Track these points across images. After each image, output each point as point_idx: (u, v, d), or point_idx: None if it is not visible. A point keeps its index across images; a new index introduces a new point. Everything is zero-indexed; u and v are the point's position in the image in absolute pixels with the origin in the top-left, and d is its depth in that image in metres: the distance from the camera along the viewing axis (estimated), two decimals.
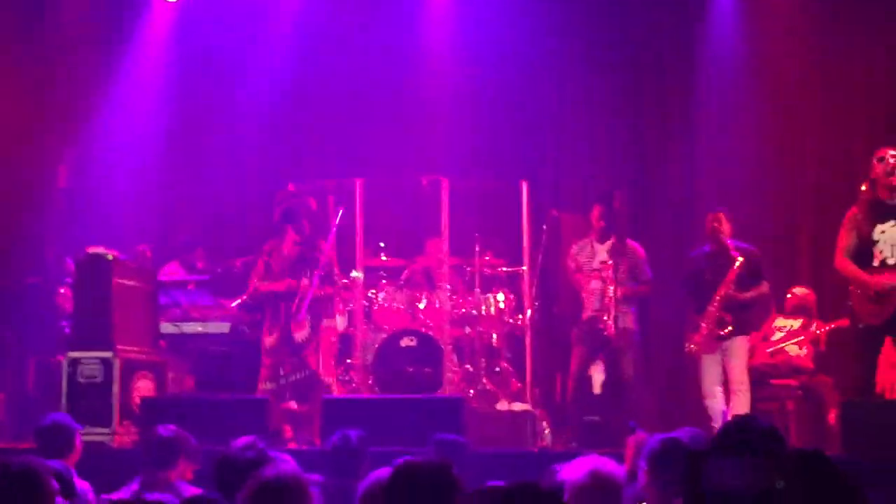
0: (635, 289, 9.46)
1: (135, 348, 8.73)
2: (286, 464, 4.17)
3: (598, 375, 9.48)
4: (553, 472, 4.65)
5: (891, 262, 7.69)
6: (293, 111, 11.93)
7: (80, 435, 6.26)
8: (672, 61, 11.58)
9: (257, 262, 9.45)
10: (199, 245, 11.05)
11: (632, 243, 9.57)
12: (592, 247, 9.64)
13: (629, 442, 6.05)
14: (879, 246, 7.73)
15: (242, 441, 4.84)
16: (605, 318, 9.25)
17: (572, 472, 4.24)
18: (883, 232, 7.73)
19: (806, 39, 11.13)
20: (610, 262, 9.32)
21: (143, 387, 8.58)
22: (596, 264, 9.49)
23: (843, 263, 7.84)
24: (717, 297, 8.94)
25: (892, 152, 7.72)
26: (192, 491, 5.18)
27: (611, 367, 9.37)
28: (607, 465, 4.26)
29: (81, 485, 5.27)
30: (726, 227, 9.16)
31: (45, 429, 6.15)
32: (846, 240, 7.86)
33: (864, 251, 7.77)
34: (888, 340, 7.90)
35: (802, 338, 9.88)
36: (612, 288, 9.24)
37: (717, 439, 2.55)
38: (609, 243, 9.43)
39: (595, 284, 9.47)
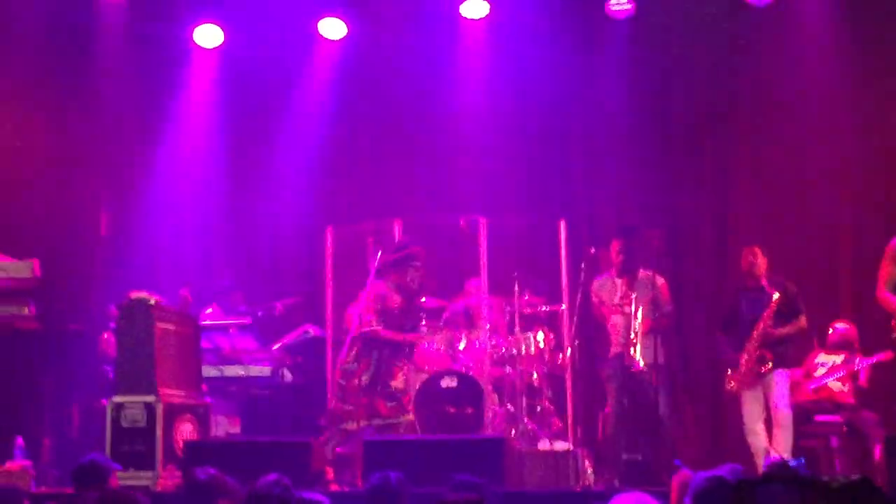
0: (656, 321, 9.40)
1: (177, 392, 8.77)
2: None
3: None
4: None
5: None
6: (332, 154, 12.01)
7: (114, 474, 6.31)
8: (708, 94, 11.57)
9: (367, 304, 9.42)
10: (239, 288, 11.12)
11: (653, 275, 9.52)
12: (613, 282, 9.65)
13: (674, 480, 6.02)
14: None
15: (269, 478, 4.87)
16: (632, 352, 9.23)
17: None
18: None
19: (846, 71, 11.10)
20: (633, 295, 9.30)
21: (186, 430, 8.62)
22: (617, 299, 9.48)
23: (885, 296, 7.79)
24: (755, 334, 8.91)
25: None
26: None
27: (643, 402, 9.32)
28: (649, 502, 4.25)
29: None
30: (762, 262, 9.14)
31: (81, 468, 6.21)
32: (887, 272, 7.81)
33: None
34: None
35: (843, 373, 9.83)
36: (635, 322, 9.22)
37: (765, 473, 2.57)
38: (627, 278, 9.43)
39: (617, 319, 9.48)
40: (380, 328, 9.40)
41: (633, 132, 11.63)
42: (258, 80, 11.92)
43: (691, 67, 11.49)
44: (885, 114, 11.02)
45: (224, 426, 10.07)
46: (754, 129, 11.38)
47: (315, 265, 10.93)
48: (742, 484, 2.03)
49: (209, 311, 10.81)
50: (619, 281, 9.51)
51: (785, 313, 9.05)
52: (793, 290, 9.15)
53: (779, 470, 2.61)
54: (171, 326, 8.87)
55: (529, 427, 9.74)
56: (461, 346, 10.06)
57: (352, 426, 9.13)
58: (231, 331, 10.62)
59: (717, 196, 11.43)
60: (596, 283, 9.76)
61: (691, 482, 4.98)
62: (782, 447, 8.86)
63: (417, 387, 9.77)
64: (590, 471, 9.41)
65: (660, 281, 9.56)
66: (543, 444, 9.49)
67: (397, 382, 9.39)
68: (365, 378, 9.25)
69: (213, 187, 12.07)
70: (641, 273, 9.45)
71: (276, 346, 10.55)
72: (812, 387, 9.80)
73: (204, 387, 9.60)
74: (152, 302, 8.69)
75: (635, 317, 9.23)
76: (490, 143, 11.83)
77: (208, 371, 9.92)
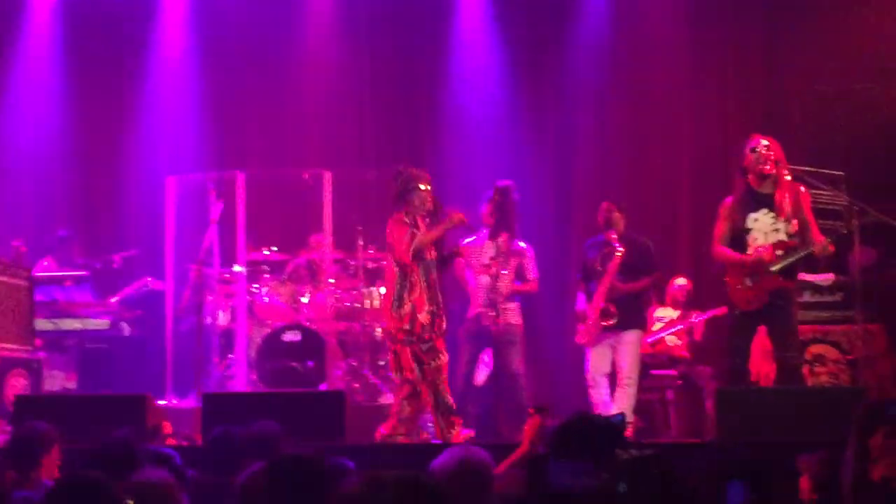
0: (521, 286, 9.41)
1: (8, 346, 8.53)
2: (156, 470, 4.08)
3: (482, 370, 9.47)
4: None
5: (762, 247, 7.82)
6: (174, 103, 11.78)
7: None
8: (549, 55, 11.67)
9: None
10: (76, 240, 10.84)
11: (519, 241, 9.53)
12: (483, 243, 9.52)
13: (527, 425, 6.09)
14: (753, 234, 7.85)
15: (114, 436, 4.76)
16: (493, 313, 9.18)
17: (441, 461, 4.23)
18: (756, 220, 7.85)
19: (680, 25, 11.36)
20: (499, 258, 9.25)
21: (18, 384, 8.39)
22: (485, 260, 9.40)
23: (719, 250, 7.97)
24: (602, 289, 9.02)
25: (764, 142, 7.87)
26: None
27: (497, 361, 9.34)
28: (477, 453, 4.26)
29: None
30: (621, 220, 9.21)
31: None
32: (721, 229, 7.98)
33: (738, 240, 7.90)
34: (762, 329, 8.04)
35: (680, 328, 10.08)
36: (500, 285, 9.19)
37: (555, 439, 2.58)
38: (499, 240, 9.29)
39: (484, 280, 9.39)
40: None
41: (483, 86, 11.68)
42: (103, 23, 11.59)
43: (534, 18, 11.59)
44: (722, 63, 11.29)
45: (60, 381, 9.82)
46: (595, 83, 11.52)
47: (155, 217, 10.70)
48: (535, 459, 2.05)
49: (45, 263, 10.52)
50: (490, 243, 9.38)
51: (638, 270, 9.14)
52: (647, 247, 9.26)
53: (573, 437, 2.65)
54: (2, 278, 8.62)
55: (372, 381, 9.74)
56: (305, 299, 10.00)
57: None
58: (67, 283, 10.34)
59: (561, 158, 11.54)
60: (463, 243, 9.59)
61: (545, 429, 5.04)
62: (622, 405, 8.96)
63: (259, 340, 9.68)
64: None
65: (528, 247, 9.49)
66: (386, 399, 9.50)
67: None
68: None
69: (51, 134, 11.74)
70: (514, 237, 9.36)
71: (114, 299, 10.33)
72: (649, 341, 10.00)
73: (38, 341, 9.35)
74: None
75: (501, 279, 9.17)
76: (335, 95, 11.75)
77: (43, 325, 9.67)
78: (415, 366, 7.92)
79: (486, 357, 9.33)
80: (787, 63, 11.16)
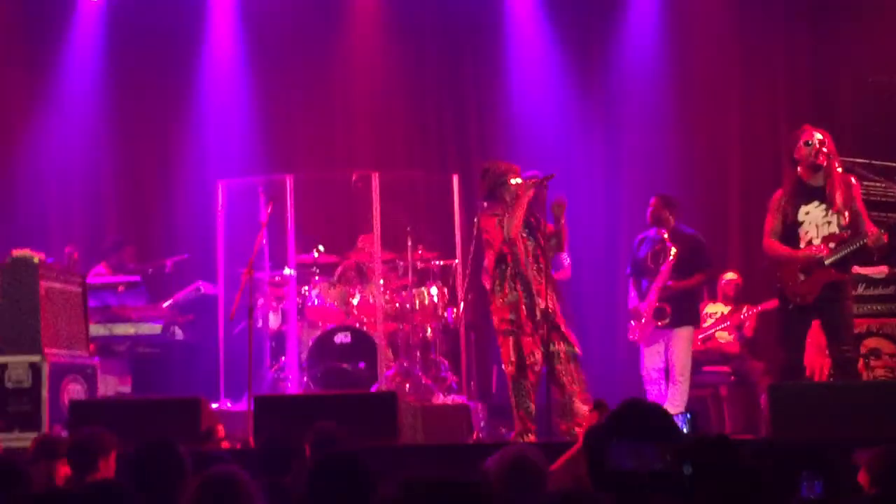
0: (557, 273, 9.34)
1: (64, 351, 8.62)
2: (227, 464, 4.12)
3: None
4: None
5: (816, 242, 7.75)
6: (223, 109, 11.86)
7: None
8: (596, 51, 11.64)
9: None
10: (128, 245, 10.94)
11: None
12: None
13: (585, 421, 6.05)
14: (805, 227, 7.79)
15: (153, 439, 4.81)
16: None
17: (495, 458, 4.24)
18: (808, 213, 7.78)
19: (727, 23, 11.29)
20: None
21: (73, 390, 8.48)
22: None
23: (771, 244, 7.90)
24: (656, 287, 9.00)
25: (818, 135, 7.79)
26: None
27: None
28: (530, 451, 4.26)
29: None
30: (666, 213, 9.17)
31: None
32: (772, 223, 7.91)
33: (790, 233, 7.83)
34: (816, 324, 7.97)
35: (730, 323, 10.01)
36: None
37: (614, 421, 2.58)
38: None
39: None
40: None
41: (531, 85, 11.66)
42: (148, 32, 11.69)
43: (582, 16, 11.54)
44: (769, 58, 11.19)
45: (114, 386, 9.91)
46: (643, 81, 11.46)
47: (207, 221, 10.77)
48: (595, 437, 2.04)
49: (99, 270, 10.62)
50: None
51: (691, 266, 9.11)
52: (700, 243, 9.23)
53: (631, 420, 2.65)
54: (56, 285, 8.69)
55: (423, 382, 9.74)
56: (355, 301, 10.02)
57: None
58: (120, 289, 10.43)
59: (610, 153, 11.51)
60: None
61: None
62: (676, 401, 8.96)
63: (310, 343, 9.72)
64: (483, 424, 9.46)
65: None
66: (437, 399, 9.51)
67: None
68: None
69: (101, 142, 11.86)
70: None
71: (166, 304, 10.41)
72: (700, 337, 9.95)
73: (92, 346, 9.44)
74: (36, 260, 8.50)
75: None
76: (384, 97, 11.78)
77: (97, 330, 9.76)
78: (514, 358, 7.91)
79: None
80: (835, 55, 11.04)
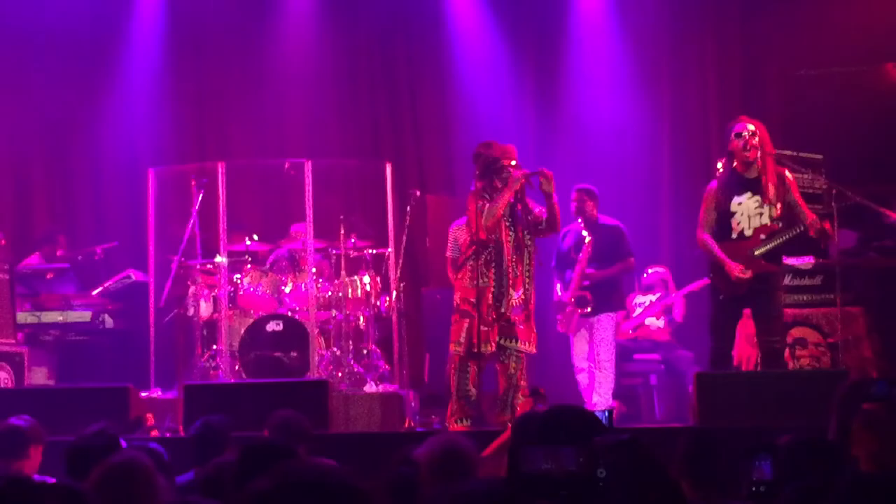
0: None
1: None
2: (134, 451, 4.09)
3: None
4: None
5: (748, 233, 7.86)
6: (154, 94, 11.74)
7: None
8: (533, 37, 11.68)
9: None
10: (60, 234, 10.82)
11: None
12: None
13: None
14: (736, 217, 7.89)
15: (93, 428, 4.76)
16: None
17: (425, 448, 4.25)
18: (740, 204, 7.89)
19: (658, 15, 11.38)
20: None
21: (0, 378, 8.38)
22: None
23: (704, 239, 7.99)
24: (575, 276, 9.10)
25: (750, 126, 7.88)
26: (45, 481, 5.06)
27: None
28: (461, 441, 4.28)
29: None
30: (589, 205, 9.30)
31: None
32: (705, 214, 8.01)
33: (722, 224, 7.93)
34: (746, 313, 8.09)
35: (659, 309, 10.13)
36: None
37: (537, 428, 2.63)
38: None
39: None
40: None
41: (461, 76, 11.68)
42: (74, 16, 11.51)
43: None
44: (701, 60, 11.33)
45: (43, 377, 9.79)
46: (579, 76, 11.53)
47: (137, 209, 10.68)
48: (513, 445, 2.07)
49: (32, 260, 10.51)
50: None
51: (610, 254, 9.22)
52: (620, 231, 9.33)
53: (552, 424, 2.70)
54: None
55: (356, 370, 9.74)
56: (287, 289, 9.99)
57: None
58: (49, 276, 10.32)
59: (544, 131, 11.54)
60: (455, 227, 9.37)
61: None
62: (602, 390, 9.09)
63: (242, 331, 9.68)
64: (415, 413, 9.48)
65: None
66: (370, 387, 9.52)
67: None
68: None
69: (30, 127, 11.68)
70: None
71: (96, 292, 10.31)
72: (631, 326, 10.06)
73: (20, 335, 9.34)
74: None
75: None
76: (316, 84, 11.73)
77: (25, 318, 9.65)
78: (464, 340, 7.90)
79: None
80: (765, 48, 11.18)
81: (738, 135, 7.86)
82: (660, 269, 10.35)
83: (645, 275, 10.31)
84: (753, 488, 4.03)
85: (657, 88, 11.39)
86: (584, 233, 9.19)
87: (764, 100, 10.92)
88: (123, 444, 4.85)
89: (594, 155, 11.24)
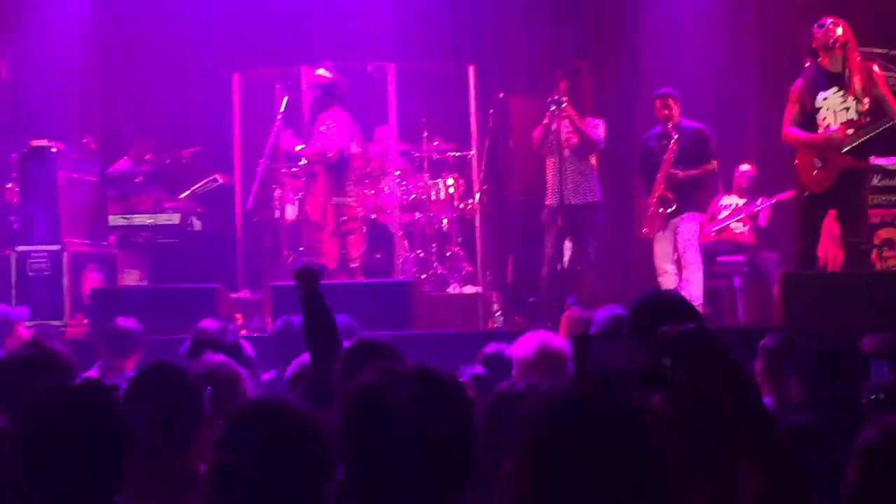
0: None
1: (83, 241, 8.72)
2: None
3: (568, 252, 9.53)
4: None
5: (834, 128, 7.73)
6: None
7: (22, 323, 6.33)
8: None
9: None
10: (147, 137, 10.97)
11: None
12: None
13: (563, 318, 6.15)
14: (822, 114, 7.75)
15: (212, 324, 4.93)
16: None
17: (520, 348, 4.32)
18: (825, 99, 7.74)
19: None
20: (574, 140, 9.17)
21: (93, 278, 8.59)
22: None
23: (789, 132, 7.88)
24: (660, 177, 9.02)
25: (830, 20, 7.73)
26: None
27: (575, 247, 9.38)
28: (554, 340, 4.34)
29: None
30: (675, 110, 9.17)
31: None
32: (791, 111, 7.88)
33: (808, 121, 7.81)
34: (831, 213, 7.98)
35: (745, 214, 10.05)
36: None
37: (632, 320, 2.65)
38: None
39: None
40: None
41: None
42: None
43: None
44: None
45: (135, 277, 10.02)
46: None
47: (222, 113, 10.78)
48: (578, 338, 2.08)
49: (122, 164, 10.69)
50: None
51: (694, 157, 9.12)
52: (703, 134, 9.21)
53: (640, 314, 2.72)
54: (74, 175, 8.76)
55: (439, 271, 9.82)
56: (370, 191, 10.04)
57: None
58: (138, 180, 10.50)
59: (625, 47, 11.41)
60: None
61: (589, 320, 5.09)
62: (692, 288, 9.02)
63: None
64: (499, 313, 9.56)
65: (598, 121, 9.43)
66: (453, 288, 9.60)
67: None
68: None
69: (116, 33, 11.80)
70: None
71: (183, 195, 10.47)
72: (714, 228, 9.99)
73: (112, 237, 9.54)
74: (54, 149, 8.56)
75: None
76: None
77: (115, 220, 9.84)
78: None
79: (569, 243, 9.37)
80: None
81: (820, 25, 7.71)
82: (749, 169, 10.21)
83: (735, 174, 10.17)
84: (872, 395, 3.94)
85: None
86: (672, 133, 9.07)
87: None
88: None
89: (678, 55, 11.08)
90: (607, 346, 2.10)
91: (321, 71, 9.68)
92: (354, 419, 2.31)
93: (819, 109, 7.75)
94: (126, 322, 5.98)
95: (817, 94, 7.75)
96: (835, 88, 7.71)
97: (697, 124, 9.28)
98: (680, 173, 9.03)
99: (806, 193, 7.80)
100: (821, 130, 7.74)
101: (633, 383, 2.08)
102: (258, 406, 2.66)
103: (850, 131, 7.63)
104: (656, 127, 9.30)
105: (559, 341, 4.47)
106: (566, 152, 9.09)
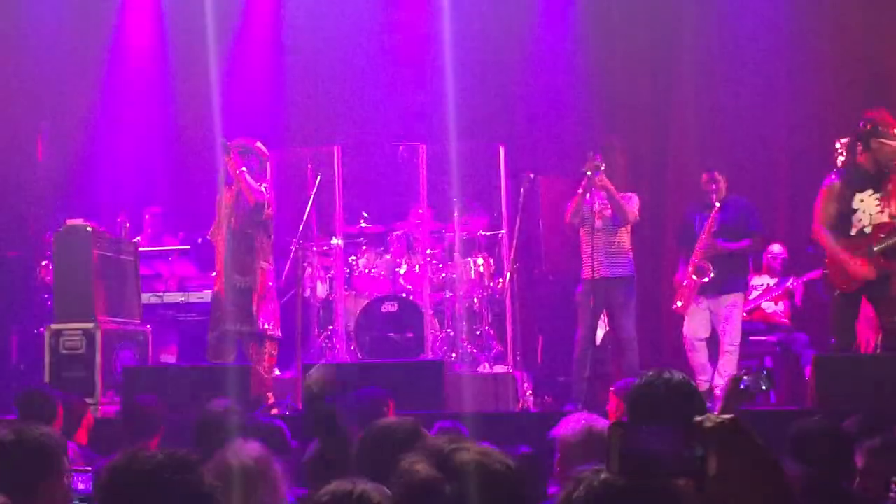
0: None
1: (116, 319, 8.77)
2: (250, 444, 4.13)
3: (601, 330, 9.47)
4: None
5: (867, 230, 7.73)
6: (271, 78, 11.94)
7: (59, 402, 6.33)
8: (646, 32, 11.60)
9: None
10: (165, 216, 11.08)
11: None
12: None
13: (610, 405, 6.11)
14: (858, 215, 7.75)
15: (220, 404, 4.90)
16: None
17: (565, 428, 4.29)
18: (862, 201, 7.75)
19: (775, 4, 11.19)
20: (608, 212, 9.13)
21: (125, 357, 8.63)
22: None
23: (823, 234, 7.87)
24: (698, 247, 8.94)
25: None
26: None
27: (611, 323, 9.27)
28: (599, 421, 4.31)
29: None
30: (722, 184, 9.13)
31: (26, 395, 6.23)
32: (826, 209, 7.85)
33: (843, 220, 7.80)
34: (865, 299, 7.95)
35: (777, 294, 10.00)
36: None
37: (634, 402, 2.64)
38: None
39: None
40: None
41: (572, 59, 11.64)
42: (197, 5, 11.73)
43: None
44: (821, 33, 11.12)
45: (165, 354, 10.07)
46: (695, 59, 11.41)
47: None
48: (616, 424, 2.09)
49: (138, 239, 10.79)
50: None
51: (739, 231, 9.06)
52: (749, 207, 9.18)
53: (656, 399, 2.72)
54: (109, 253, 8.86)
55: (469, 351, 9.82)
56: (401, 270, 10.10)
57: None
58: (171, 258, 10.59)
59: (656, 124, 11.47)
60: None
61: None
62: (725, 371, 8.92)
63: (358, 311, 9.81)
64: (529, 393, 9.53)
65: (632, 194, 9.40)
66: (483, 368, 9.59)
67: None
68: None
69: (152, 113, 11.97)
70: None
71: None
72: (747, 308, 9.95)
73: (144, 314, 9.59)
74: (89, 229, 8.65)
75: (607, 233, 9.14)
76: (429, 69, 11.80)
77: (147, 298, 9.90)
78: None
79: (603, 319, 9.30)
80: (886, 30, 10.92)
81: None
82: (780, 251, 10.17)
83: (767, 255, 10.14)
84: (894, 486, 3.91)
85: (774, 65, 11.19)
86: (713, 205, 9.02)
87: (887, 82, 10.66)
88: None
89: (711, 131, 11.13)
90: (643, 433, 2.11)
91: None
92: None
93: (856, 210, 7.74)
94: (145, 400, 5.98)
95: (854, 194, 7.74)
96: (871, 191, 7.71)
97: (744, 200, 9.26)
98: (720, 243, 8.97)
99: (837, 293, 7.79)
100: (854, 231, 7.73)
101: (666, 470, 2.08)
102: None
103: (882, 235, 7.63)
104: (699, 199, 9.27)
105: (603, 422, 4.43)
106: (598, 223, 9.07)
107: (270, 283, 8.90)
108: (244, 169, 8.76)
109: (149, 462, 2.69)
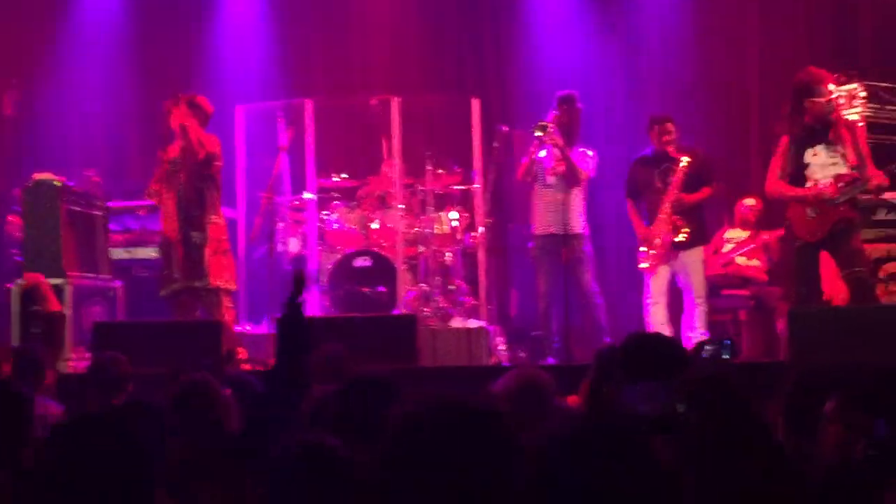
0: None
1: (86, 274, 8.69)
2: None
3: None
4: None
5: (824, 183, 7.77)
6: (240, 33, 11.80)
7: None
8: None
9: None
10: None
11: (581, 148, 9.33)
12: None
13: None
14: (811, 169, 7.83)
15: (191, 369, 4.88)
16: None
17: (503, 382, 4.27)
18: (815, 155, 7.82)
19: None
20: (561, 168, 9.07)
21: (95, 312, 8.56)
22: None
23: (777, 186, 7.94)
24: (667, 203, 8.89)
25: (831, 86, 7.85)
26: None
27: (571, 278, 9.19)
28: (537, 373, 4.29)
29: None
30: (676, 135, 9.08)
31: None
32: (779, 165, 7.96)
33: (797, 176, 7.86)
34: (825, 255, 7.97)
35: (752, 247, 9.98)
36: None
37: (625, 361, 2.61)
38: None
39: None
40: None
41: (545, 13, 11.56)
42: None
43: None
44: None
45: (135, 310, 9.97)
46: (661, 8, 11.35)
47: (225, 146, 10.74)
48: (596, 379, 2.05)
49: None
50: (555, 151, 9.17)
51: (695, 182, 9.02)
52: (703, 156, 9.13)
53: (643, 359, 2.68)
54: (77, 208, 8.75)
55: (442, 305, 9.78)
56: (374, 225, 10.04)
57: None
58: (141, 213, 10.48)
59: (629, 68, 11.41)
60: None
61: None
62: (700, 322, 8.92)
63: (330, 266, 9.76)
64: (502, 347, 9.51)
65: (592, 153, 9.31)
66: (456, 322, 9.55)
67: None
68: None
69: (123, 66, 11.83)
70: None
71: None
72: (720, 262, 9.94)
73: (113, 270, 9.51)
74: (58, 183, 8.54)
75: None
76: (402, 20, 11.69)
77: (118, 254, 9.81)
78: None
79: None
80: None
81: (829, 103, 7.77)
82: (754, 203, 10.11)
83: (741, 208, 10.10)
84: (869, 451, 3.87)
85: (747, 10, 11.13)
86: (674, 158, 8.96)
87: (856, 24, 10.65)
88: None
89: (680, 86, 11.07)
90: (637, 389, 2.08)
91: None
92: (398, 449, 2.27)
93: (808, 165, 7.80)
94: (113, 357, 5.91)
95: (806, 149, 7.80)
96: (823, 145, 7.77)
97: (694, 146, 9.20)
98: (686, 197, 8.92)
99: (798, 243, 7.81)
100: (809, 183, 7.76)
101: (650, 426, 2.06)
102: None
103: (841, 185, 7.67)
104: (646, 149, 9.17)
105: (543, 375, 4.38)
106: (551, 179, 9.04)
107: (223, 237, 8.72)
108: (192, 122, 8.59)
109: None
